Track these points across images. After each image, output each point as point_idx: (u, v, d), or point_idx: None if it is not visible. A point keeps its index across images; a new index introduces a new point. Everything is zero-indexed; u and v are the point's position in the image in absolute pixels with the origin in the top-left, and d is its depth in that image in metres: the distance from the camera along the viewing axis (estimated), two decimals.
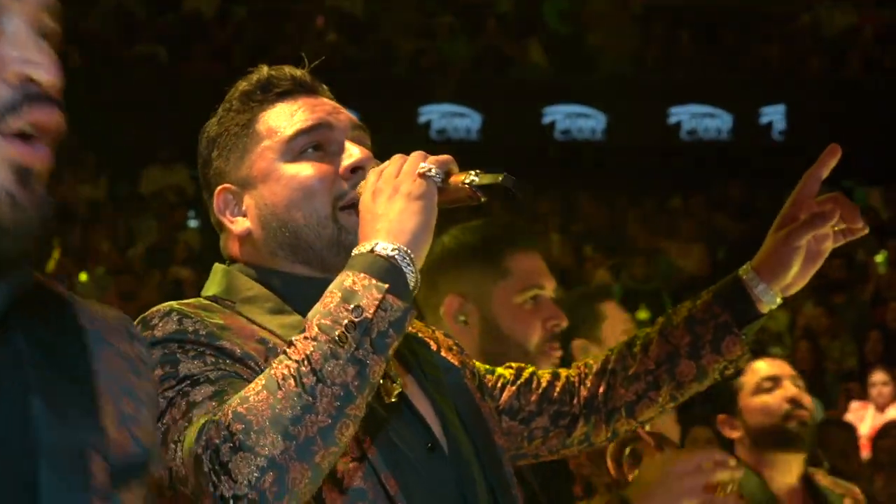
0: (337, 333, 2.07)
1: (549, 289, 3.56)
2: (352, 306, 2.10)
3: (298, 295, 2.36)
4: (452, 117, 18.58)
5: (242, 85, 2.52)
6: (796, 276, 2.61)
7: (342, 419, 2.06)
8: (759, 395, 4.66)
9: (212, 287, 2.45)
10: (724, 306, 2.63)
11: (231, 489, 2.01)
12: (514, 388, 2.71)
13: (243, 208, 2.47)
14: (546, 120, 18.74)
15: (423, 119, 18.49)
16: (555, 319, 3.50)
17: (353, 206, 2.35)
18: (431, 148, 2.29)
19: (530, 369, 2.77)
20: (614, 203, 17.30)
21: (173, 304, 2.31)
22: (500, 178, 2.25)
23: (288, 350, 2.09)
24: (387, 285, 2.12)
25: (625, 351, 2.71)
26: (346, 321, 2.09)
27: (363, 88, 15.70)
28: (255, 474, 2.00)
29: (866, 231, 2.61)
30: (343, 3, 19.20)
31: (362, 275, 2.13)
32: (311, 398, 2.04)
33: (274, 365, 2.09)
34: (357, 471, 2.24)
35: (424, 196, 2.24)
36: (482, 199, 2.28)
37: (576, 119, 18.80)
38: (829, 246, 2.60)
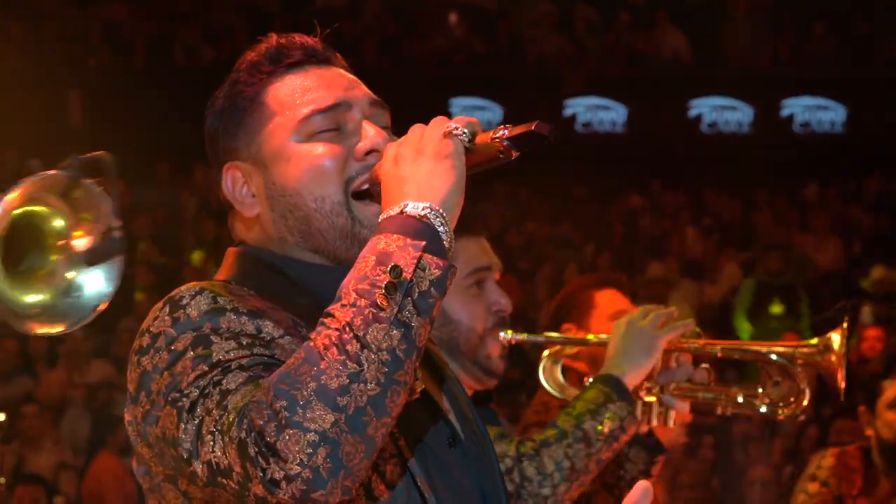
0: (377, 296, 1.96)
1: (495, 271, 3.62)
2: (388, 267, 1.98)
3: (314, 283, 2.22)
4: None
5: (250, 55, 2.36)
6: None
7: (392, 386, 1.95)
8: (891, 410, 4.56)
9: (224, 271, 2.31)
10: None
11: (282, 470, 1.90)
12: None
13: (252, 189, 2.32)
14: (692, 113, 18.56)
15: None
16: (499, 304, 3.58)
17: (368, 195, 2.24)
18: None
19: None
20: (747, 196, 17.07)
21: (201, 283, 2.17)
22: (534, 126, 2.09)
23: (325, 320, 1.98)
24: (423, 243, 2.01)
25: None
26: (385, 283, 1.97)
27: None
28: (308, 451, 1.89)
29: None
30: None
31: (395, 236, 2.02)
32: (357, 366, 1.92)
33: (312, 337, 1.97)
34: (396, 468, 2.13)
35: (452, 155, 2.11)
36: (513, 155, 2.13)
37: (722, 112, 18.61)
38: None
